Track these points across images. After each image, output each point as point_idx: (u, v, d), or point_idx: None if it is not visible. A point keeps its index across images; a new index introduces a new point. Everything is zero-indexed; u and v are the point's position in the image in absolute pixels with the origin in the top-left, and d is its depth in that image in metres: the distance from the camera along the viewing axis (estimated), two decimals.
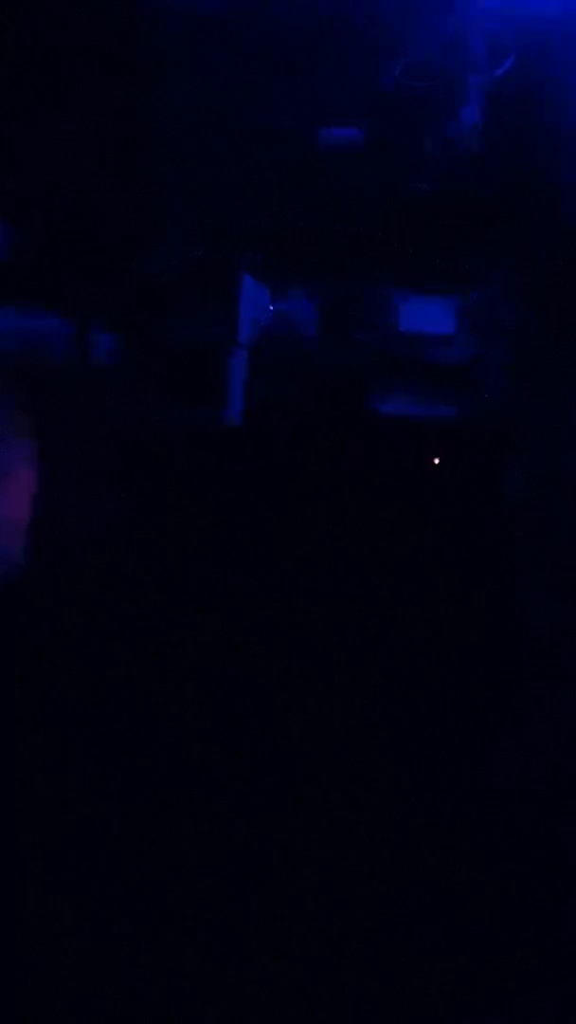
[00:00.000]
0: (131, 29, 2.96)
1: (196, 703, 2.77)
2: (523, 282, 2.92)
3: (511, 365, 2.94)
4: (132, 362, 2.91)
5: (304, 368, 2.98)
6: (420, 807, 2.71)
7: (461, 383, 2.96)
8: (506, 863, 2.64)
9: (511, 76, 2.90)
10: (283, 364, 2.98)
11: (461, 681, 2.81)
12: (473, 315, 2.97)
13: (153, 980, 2.43)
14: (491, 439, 2.89)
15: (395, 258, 3.00)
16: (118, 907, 2.52)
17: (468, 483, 2.88)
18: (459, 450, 2.90)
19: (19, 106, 2.94)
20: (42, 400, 2.76)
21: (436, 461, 2.87)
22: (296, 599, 2.82)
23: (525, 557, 2.84)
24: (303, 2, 2.89)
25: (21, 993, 2.39)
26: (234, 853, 2.62)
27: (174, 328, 2.93)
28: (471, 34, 2.90)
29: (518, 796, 2.70)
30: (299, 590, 2.83)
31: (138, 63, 2.99)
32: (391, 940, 2.53)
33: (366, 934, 2.54)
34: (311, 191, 2.98)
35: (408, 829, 2.68)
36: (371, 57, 2.92)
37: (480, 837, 2.67)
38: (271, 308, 2.94)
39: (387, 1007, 2.45)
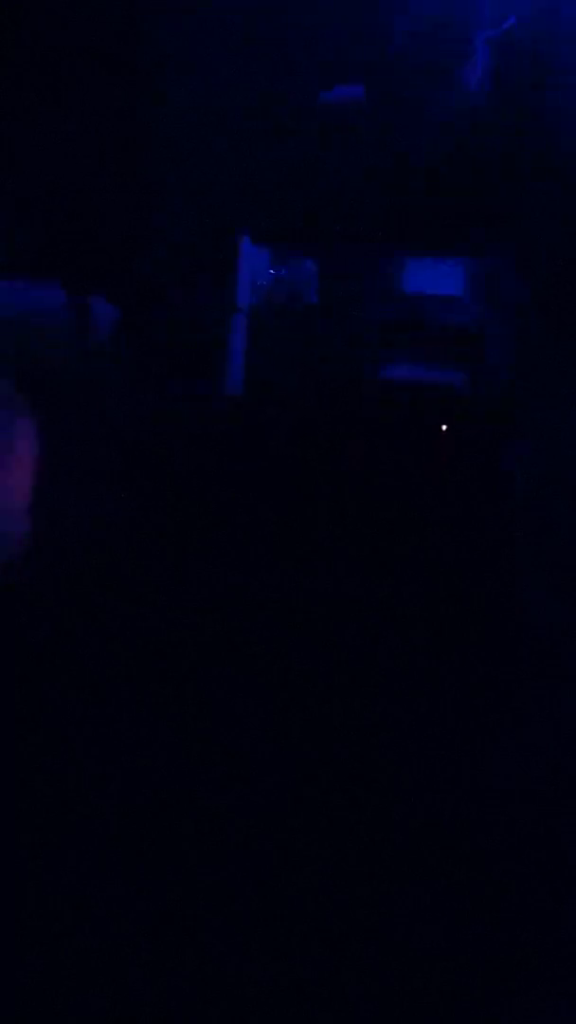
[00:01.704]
0: (131, 29, 2.97)
1: (196, 702, 2.77)
2: (527, 249, 2.88)
3: (514, 338, 2.90)
4: (131, 332, 2.89)
5: (306, 334, 2.93)
6: (420, 807, 2.71)
7: (467, 347, 2.91)
8: (506, 863, 2.64)
9: (517, 31, 2.86)
10: (285, 330, 2.93)
11: (461, 680, 2.81)
12: (477, 282, 2.93)
13: (153, 980, 2.43)
14: (494, 409, 2.86)
15: (399, 221, 2.95)
16: (118, 907, 2.52)
17: (471, 455, 2.85)
18: (463, 417, 2.86)
19: (19, 106, 2.94)
20: (40, 375, 2.74)
21: (444, 428, 2.82)
22: (294, 592, 2.81)
23: (525, 555, 2.83)
24: None
25: (21, 993, 2.39)
26: (234, 853, 2.62)
27: (173, 296, 2.90)
28: None
29: (518, 796, 2.70)
30: (297, 583, 2.82)
31: (138, 63, 2.99)
32: (391, 940, 2.53)
33: (366, 934, 2.54)
34: (313, 153, 2.93)
35: (408, 829, 2.68)
36: (373, 14, 2.88)
37: (480, 837, 2.67)
38: (271, 272, 2.90)
39: (387, 1007, 2.45)
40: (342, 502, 2.87)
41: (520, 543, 2.84)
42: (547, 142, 2.89)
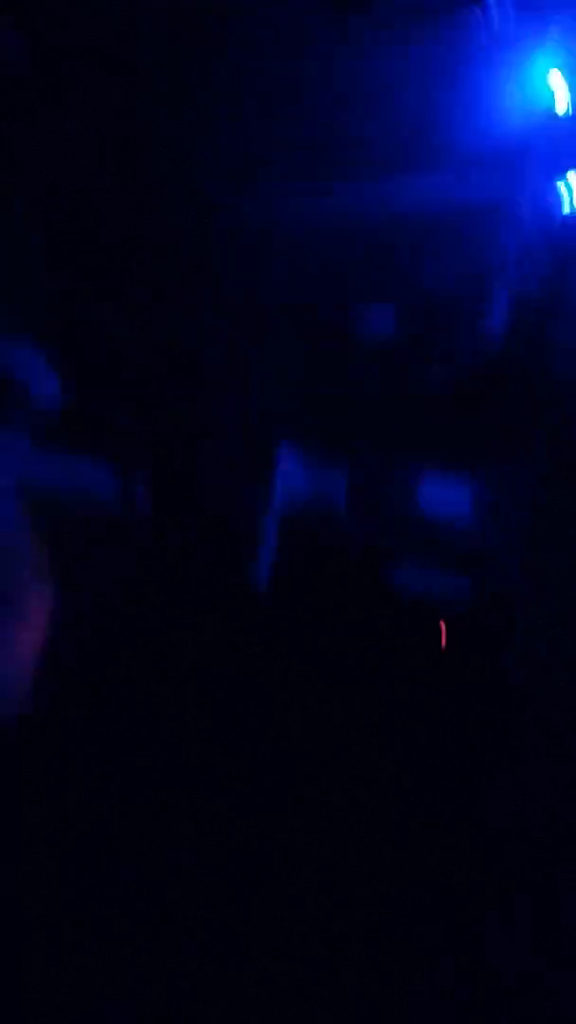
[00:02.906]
0: (131, 29, 2.97)
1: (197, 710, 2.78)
2: (536, 472, 3.00)
3: (522, 551, 2.99)
4: (164, 520, 2.92)
5: (332, 543, 3.02)
6: (421, 809, 2.71)
7: (474, 565, 3.01)
8: (506, 863, 2.64)
9: (534, 284, 2.99)
10: (312, 537, 3.02)
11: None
12: (487, 499, 3.04)
13: (153, 980, 2.44)
14: (495, 625, 2.93)
15: (420, 441, 3.08)
16: (118, 907, 2.52)
17: (472, 659, 2.91)
18: (465, 633, 2.93)
19: (19, 106, 2.94)
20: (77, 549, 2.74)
21: (443, 632, 2.92)
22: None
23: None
24: None
25: (21, 993, 2.39)
26: (234, 854, 2.62)
27: (207, 493, 2.96)
28: (504, 240, 2.99)
29: (519, 799, 2.71)
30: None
31: (138, 63, 2.99)
32: (391, 940, 2.54)
33: (366, 934, 2.55)
34: (343, 372, 3.06)
35: (408, 829, 2.68)
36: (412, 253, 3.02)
37: (480, 837, 2.68)
38: (303, 478, 3.00)
39: (387, 1007, 2.45)
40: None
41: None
42: (555, 383, 3.01)
